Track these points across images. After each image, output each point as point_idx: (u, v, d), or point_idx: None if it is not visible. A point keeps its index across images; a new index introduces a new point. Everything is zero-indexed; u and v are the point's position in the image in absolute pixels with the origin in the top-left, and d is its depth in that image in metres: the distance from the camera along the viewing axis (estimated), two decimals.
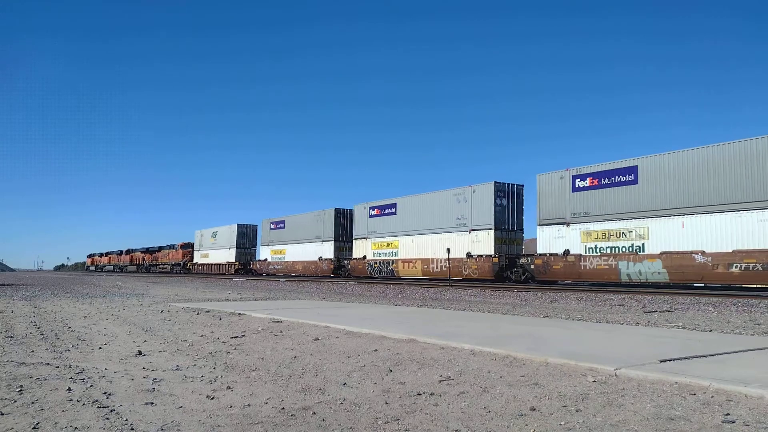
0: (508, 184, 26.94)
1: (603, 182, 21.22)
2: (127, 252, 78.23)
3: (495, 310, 10.90)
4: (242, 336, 6.61)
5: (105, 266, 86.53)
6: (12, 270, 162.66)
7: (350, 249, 36.11)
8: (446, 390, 3.77)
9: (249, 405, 3.42)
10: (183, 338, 6.48)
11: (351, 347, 5.63)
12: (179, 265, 60.74)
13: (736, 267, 17.15)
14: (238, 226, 50.39)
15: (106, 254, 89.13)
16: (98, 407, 3.35)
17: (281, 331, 6.96)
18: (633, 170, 20.30)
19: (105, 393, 3.73)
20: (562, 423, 2.99)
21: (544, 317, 9.24)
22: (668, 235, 18.92)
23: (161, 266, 65.22)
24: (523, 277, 24.91)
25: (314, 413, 3.23)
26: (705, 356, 4.84)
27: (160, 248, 67.42)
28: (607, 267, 20.65)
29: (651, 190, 19.53)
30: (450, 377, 4.15)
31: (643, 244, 19.59)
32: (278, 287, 23.12)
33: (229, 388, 3.89)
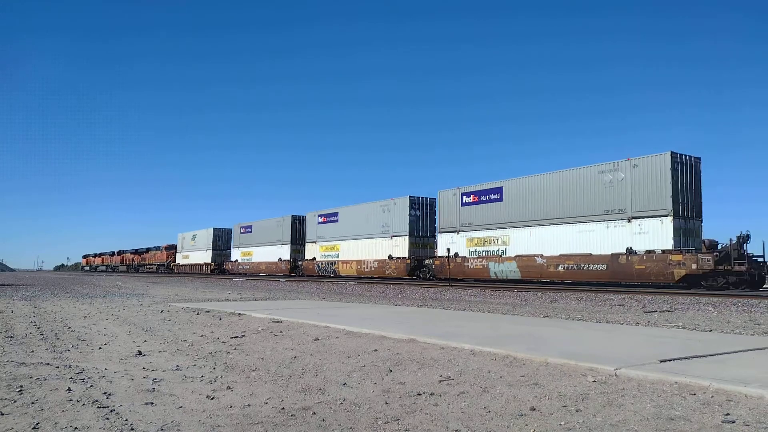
0: (422, 197, 31.66)
1: (481, 199, 26.35)
2: (119, 253, 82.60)
3: (495, 310, 10.90)
4: (242, 336, 6.61)
5: (98, 266, 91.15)
6: (12, 270, 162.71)
7: (304, 251, 39.85)
8: (446, 390, 3.77)
9: (249, 405, 3.42)
10: (183, 338, 6.48)
11: (351, 347, 5.63)
12: (164, 265, 64.84)
13: (561, 267, 22.15)
14: (214, 229, 54.77)
15: (99, 255, 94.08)
16: (98, 407, 3.35)
17: (281, 331, 6.96)
18: (500, 190, 25.43)
19: (105, 393, 3.73)
20: (562, 423, 2.99)
21: (544, 317, 9.24)
22: (522, 243, 24.07)
23: (148, 266, 69.49)
24: (429, 275, 29.03)
25: (314, 413, 3.23)
26: (705, 356, 4.84)
27: (148, 249, 71.88)
28: (481, 267, 25.75)
29: (512, 207, 24.76)
30: (450, 377, 4.15)
31: (505, 249, 24.78)
32: (278, 287, 23.13)
33: (229, 388, 3.89)
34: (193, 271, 55.93)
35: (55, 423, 3.04)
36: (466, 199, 27.00)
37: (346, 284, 25.78)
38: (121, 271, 75.72)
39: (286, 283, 27.52)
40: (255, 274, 44.50)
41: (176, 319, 8.73)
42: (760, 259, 18.90)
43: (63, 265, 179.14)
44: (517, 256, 24.10)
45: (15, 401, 3.51)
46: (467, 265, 26.26)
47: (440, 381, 4.04)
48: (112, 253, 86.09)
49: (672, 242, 19.08)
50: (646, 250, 19.88)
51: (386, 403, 3.44)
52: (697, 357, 4.79)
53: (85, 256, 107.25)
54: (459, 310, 10.64)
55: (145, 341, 6.24)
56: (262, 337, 6.55)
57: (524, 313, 10.07)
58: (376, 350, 5.41)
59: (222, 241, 54.07)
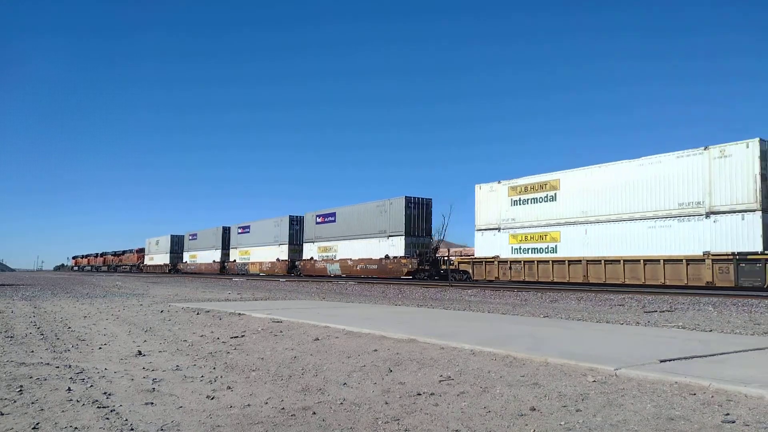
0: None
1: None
2: (102, 255, 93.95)
3: (495, 310, 10.90)
4: (242, 336, 6.61)
5: (85, 267, 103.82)
6: (12, 270, 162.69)
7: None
8: (446, 390, 3.77)
9: (249, 405, 3.42)
10: (183, 338, 6.48)
11: (351, 347, 5.63)
12: (135, 266, 75.24)
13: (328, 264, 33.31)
14: (172, 236, 64.28)
15: (86, 256, 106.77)
16: (98, 407, 3.35)
17: (281, 331, 6.96)
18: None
19: (105, 393, 3.73)
20: (562, 423, 2.99)
21: (544, 317, 9.24)
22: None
23: (123, 267, 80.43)
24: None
25: (314, 413, 3.23)
26: (705, 356, 4.84)
27: (123, 252, 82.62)
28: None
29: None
30: (450, 377, 4.15)
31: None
32: (278, 287, 23.13)
33: (229, 388, 3.89)
34: (155, 271, 65.77)
35: (55, 423, 3.04)
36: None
37: (346, 284, 25.77)
38: (102, 271, 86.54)
39: (286, 283, 27.52)
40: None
41: (176, 319, 8.73)
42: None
43: (63, 265, 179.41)
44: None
45: (15, 401, 3.51)
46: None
47: (440, 381, 4.04)
48: (96, 255, 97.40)
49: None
50: (394, 257, 31.27)
51: (386, 403, 3.44)
52: (697, 357, 4.79)
53: (74, 258, 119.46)
54: (459, 310, 10.64)
55: (145, 341, 6.24)
56: (262, 337, 6.55)
57: (524, 313, 10.06)
58: (376, 350, 5.41)
59: (178, 246, 63.22)
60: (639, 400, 3.40)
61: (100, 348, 5.77)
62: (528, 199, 23.78)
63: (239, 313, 9.25)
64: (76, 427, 2.96)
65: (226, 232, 51.31)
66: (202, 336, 6.66)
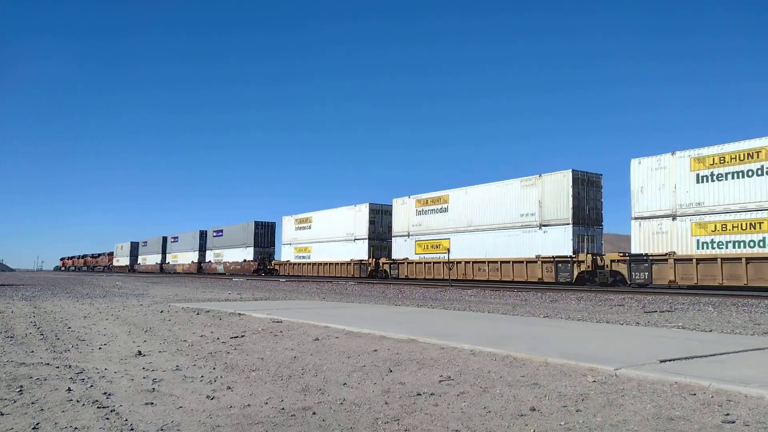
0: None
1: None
2: (83, 257, 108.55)
3: (495, 310, 10.90)
4: (242, 336, 6.61)
5: (70, 267, 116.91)
6: (12, 270, 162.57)
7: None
8: (446, 390, 3.77)
9: (249, 405, 3.42)
10: (183, 338, 6.48)
11: (351, 347, 5.63)
12: (107, 266, 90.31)
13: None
14: (131, 243, 79.72)
15: (71, 258, 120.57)
16: (98, 407, 3.35)
17: (281, 332, 6.96)
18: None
19: (105, 393, 3.73)
20: (562, 423, 2.99)
21: (544, 317, 9.24)
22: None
23: (98, 267, 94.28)
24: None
25: (314, 413, 3.23)
26: (705, 356, 4.84)
27: (99, 255, 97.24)
28: None
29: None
30: (450, 377, 4.15)
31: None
32: (278, 287, 23.13)
33: (229, 388, 3.89)
34: (120, 271, 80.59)
35: (55, 423, 3.04)
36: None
37: (346, 284, 25.77)
38: (83, 271, 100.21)
39: (286, 284, 27.52)
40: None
41: (176, 319, 8.73)
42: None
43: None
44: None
45: (15, 401, 3.51)
46: None
47: (440, 381, 4.04)
48: (79, 257, 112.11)
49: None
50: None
51: (386, 403, 3.44)
52: (697, 357, 4.79)
53: (61, 259, 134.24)
54: (459, 310, 10.64)
55: (145, 341, 6.23)
56: (262, 337, 6.55)
57: (524, 313, 10.06)
58: (376, 350, 5.41)
59: (136, 250, 78.72)
60: (639, 400, 3.40)
61: (100, 348, 5.77)
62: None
63: (239, 313, 9.25)
64: (76, 427, 2.96)
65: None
66: (202, 336, 6.66)
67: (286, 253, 42.74)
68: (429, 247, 29.29)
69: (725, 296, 15.15)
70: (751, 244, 17.43)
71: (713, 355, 4.94)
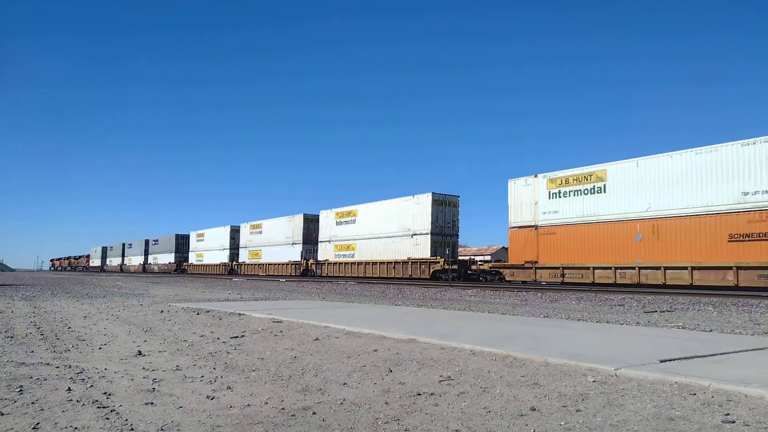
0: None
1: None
2: (68, 258, 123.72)
3: (495, 310, 10.90)
4: (242, 336, 6.61)
5: (58, 268, 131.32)
6: (12, 270, 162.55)
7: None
8: (446, 390, 3.77)
9: (249, 405, 3.42)
10: (183, 338, 6.48)
11: (351, 347, 5.63)
12: (85, 267, 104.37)
13: None
14: (103, 247, 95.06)
15: (59, 259, 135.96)
16: (98, 407, 3.35)
17: (281, 331, 6.96)
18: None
19: (105, 393, 3.73)
20: (562, 423, 2.99)
21: (544, 317, 9.24)
22: None
23: (80, 267, 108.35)
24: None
25: (314, 413, 3.23)
26: (705, 356, 4.84)
27: (80, 257, 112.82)
28: None
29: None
30: (450, 377, 4.15)
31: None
32: (278, 287, 23.13)
33: (229, 388, 3.89)
34: (94, 270, 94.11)
35: (55, 423, 3.04)
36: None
37: (346, 284, 25.78)
38: (68, 271, 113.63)
39: (286, 284, 27.52)
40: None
41: (176, 319, 8.73)
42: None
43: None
44: None
45: (15, 401, 3.51)
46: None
47: (440, 381, 4.04)
48: (66, 258, 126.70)
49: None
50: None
51: (386, 403, 3.44)
52: (697, 357, 4.79)
53: (51, 260, 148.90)
54: (459, 310, 10.64)
55: (145, 341, 6.23)
56: (262, 337, 6.55)
57: (524, 313, 10.06)
58: (376, 350, 5.41)
59: (106, 253, 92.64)
60: (639, 400, 3.40)
61: (100, 348, 5.77)
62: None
63: (239, 313, 9.25)
64: (76, 427, 2.96)
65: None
66: (202, 336, 6.66)
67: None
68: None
69: (725, 296, 15.15)
70: (348, 255, 33.77)
71: (713, 355, 4.94)
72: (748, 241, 16.92)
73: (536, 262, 23.52)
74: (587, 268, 21.28)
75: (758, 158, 16.94)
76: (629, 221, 20.14)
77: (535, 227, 23.72)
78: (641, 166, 20.07)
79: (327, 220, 39.25)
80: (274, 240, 45.84)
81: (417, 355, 5.10)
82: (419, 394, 3.65)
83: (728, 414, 3.06)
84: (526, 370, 4.39)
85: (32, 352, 5.50)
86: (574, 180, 22.44)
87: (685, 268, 18.17)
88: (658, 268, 19.06)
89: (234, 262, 52.44)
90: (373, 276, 33.78)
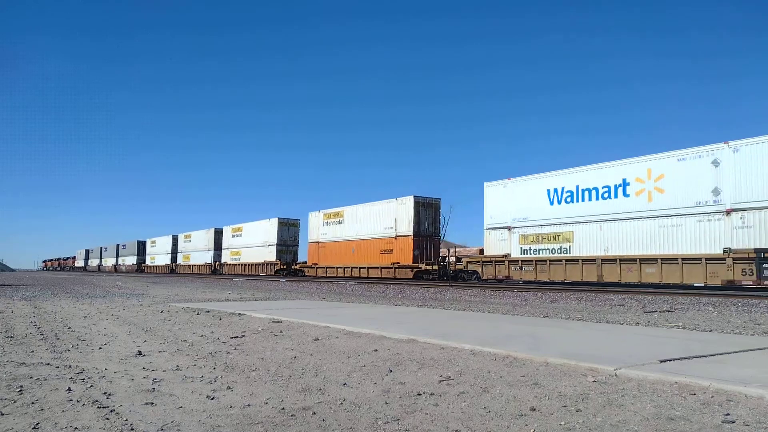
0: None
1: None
2: (57, 259, 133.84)
3: (495, 310, 10.90)
4: (242, 336, 6.61)
5: (50, 268, 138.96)
6: (12, 270, 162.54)
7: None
8: (446, 390, 3.77)
9: (249, 405, 3.42)
10: (183, 338, 6.48)
11: (351, 347, 5.63)
12: (72, 267, 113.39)
13: None
14: (86, 250, 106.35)
15: (50, 260, 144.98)
16: (98, 407, 3.35)
17: (281, 331, 6.96)
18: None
19: (105, 393, 3.73)
20: (562, 423, 2.99)
21: (544, 317, 9.25)
22: None
23: (67, 268, 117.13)
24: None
25: (314, 413, 3.23)
26: (705, 356, 4.84)
27: (68, 258, 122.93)
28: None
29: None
30: (450, 377, 4.15)
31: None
32: (278, 287, 23.14)
33: (229, 388, 3.89)
34: (78, 271, 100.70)
35: (55, 423, 3.04)
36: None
37: (346, 284, 25.79)
38: (57, 270, 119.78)
39: (287, 284, 27.54)
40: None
41: (176, 319, 8.73)
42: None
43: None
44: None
45: (15, 401, 3.51)
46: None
47: (440, 381, 4.04)
48: (56, 259, 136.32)
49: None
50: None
51: (386, 403, 3.44)
52: (697, 357, 4.80)
53: (44, 261, 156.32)
54: (459, 310, 10.64)
55: (145, 341, 6.23)
56: (262, 337, 6.56)
57: (524, 313, 10.07)
58: (376, 350, 5.41)
59: (90, 255, 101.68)
60: (639, 400, 3.40)
61: (100, 348, 5.77)
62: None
63: (239, 313, 9.25)
64: (76, 427, 2.96)
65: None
66: (202, 336, 6.66)
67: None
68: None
69: (725, 296, 15.16)
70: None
71: (713, 355, 4.94)
72: (386, 253, 33.29)
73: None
74: None
75: (394, 211, 33.24)
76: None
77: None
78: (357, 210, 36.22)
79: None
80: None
81: (417, 355, 5.10)
82: (419, 394, 3.65)
83: (728, 414, 3.06)
84: (526, 370, 4.39)
85: (32, 352, 5.50)
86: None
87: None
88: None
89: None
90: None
